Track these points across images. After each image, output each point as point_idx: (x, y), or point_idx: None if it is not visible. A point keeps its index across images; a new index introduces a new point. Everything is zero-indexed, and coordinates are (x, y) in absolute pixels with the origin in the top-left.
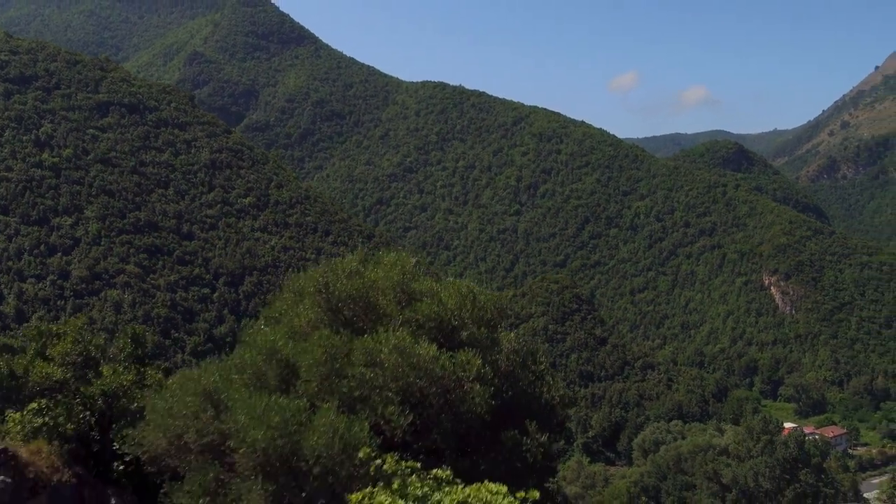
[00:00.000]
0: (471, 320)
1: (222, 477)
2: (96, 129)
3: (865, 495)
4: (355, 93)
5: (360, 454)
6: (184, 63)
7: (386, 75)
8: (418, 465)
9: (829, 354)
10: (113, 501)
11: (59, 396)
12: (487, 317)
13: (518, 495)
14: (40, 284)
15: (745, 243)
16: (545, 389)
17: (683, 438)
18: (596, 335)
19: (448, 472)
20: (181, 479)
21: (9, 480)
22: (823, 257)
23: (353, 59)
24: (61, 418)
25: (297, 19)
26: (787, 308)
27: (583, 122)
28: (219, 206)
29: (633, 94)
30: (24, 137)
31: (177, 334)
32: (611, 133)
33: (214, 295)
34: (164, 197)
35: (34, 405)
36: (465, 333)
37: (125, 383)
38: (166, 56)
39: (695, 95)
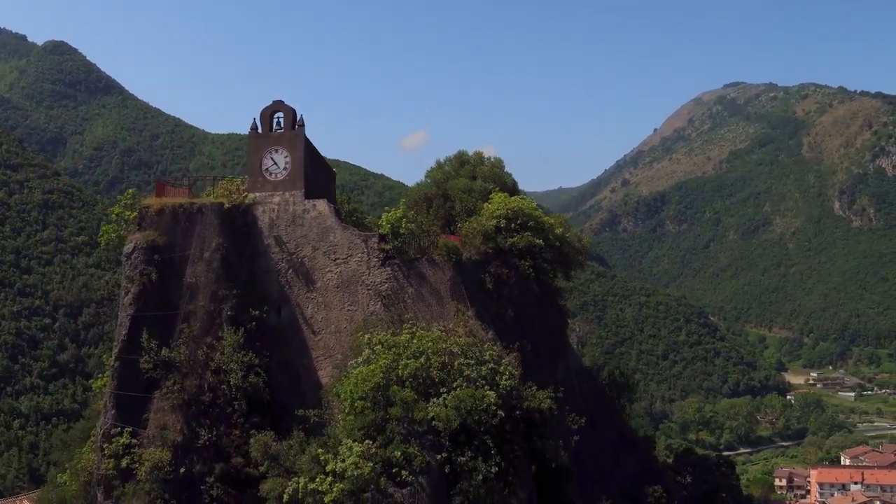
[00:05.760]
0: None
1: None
2: None
3: None
4: (162, 143)
5: (476, 187)
6: None
7: (192, 126)
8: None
9: None
10: None
11: None
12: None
13: None
14: None
15: None
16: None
17: None
18: None
19: None
20: None
21: None
22: (606, 298)
23: (159, 109)
24: None
25: (103, 69)
26: (574, 343)
27: (382, 174)
28: (53, 242)
29: (425, 152)
30: None
31: (24, 360)
32: (409, 185)
33: (55, 325)
34: (2, 233)
35: None
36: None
37: None
38: None
39: (484, 155)
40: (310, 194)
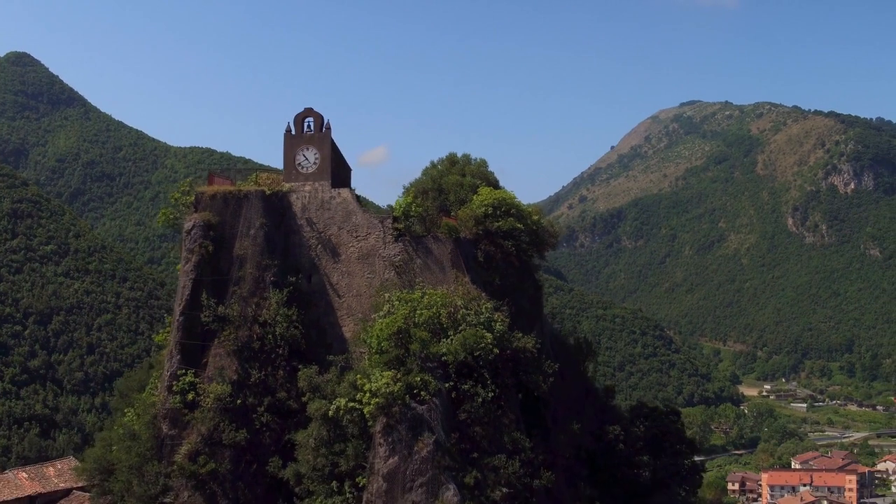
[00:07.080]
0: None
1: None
2: None
3: None
4: (125, 155)
5: (466, 182)
6: None
7: (154, 139)
8: None
9: None
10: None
11: None
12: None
13: None
14: None
15: None
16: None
17: None
18: None
19: None
20: None
21: None
22: (563, 311)
23: (121, 122)
24: None
25: (66, 81)
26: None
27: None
28: (23, 251)
29: (385, 167)
30: None
31: None
32: (371, 200)
33: (26, 332)
34: None
35: None
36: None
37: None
38: None
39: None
40: (335, 184)
